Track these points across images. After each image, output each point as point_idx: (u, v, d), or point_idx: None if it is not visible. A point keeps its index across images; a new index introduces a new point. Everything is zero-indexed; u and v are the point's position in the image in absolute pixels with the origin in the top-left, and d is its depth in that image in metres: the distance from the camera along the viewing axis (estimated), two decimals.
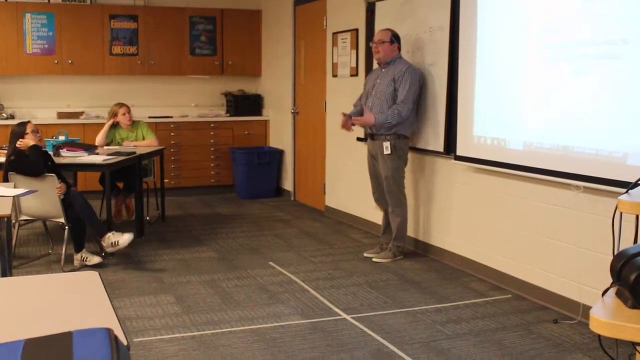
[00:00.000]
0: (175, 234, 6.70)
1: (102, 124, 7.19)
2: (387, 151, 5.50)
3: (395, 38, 5.57)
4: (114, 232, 5.47)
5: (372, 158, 5.75)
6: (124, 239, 5.42)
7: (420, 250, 5.94)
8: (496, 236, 5.05)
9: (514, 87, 4.71)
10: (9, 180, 5.16)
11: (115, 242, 5.41)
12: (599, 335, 1.76)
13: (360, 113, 5.72)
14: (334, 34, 7.31)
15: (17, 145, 5.29)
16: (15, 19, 8.23)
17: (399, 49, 5.59)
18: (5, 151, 5.86)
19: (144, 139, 7.02)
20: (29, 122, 5.47)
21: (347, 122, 5.72)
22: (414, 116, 5.62)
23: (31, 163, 5.22)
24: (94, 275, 2.06)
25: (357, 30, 6.83)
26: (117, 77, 8.85)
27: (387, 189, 5.62)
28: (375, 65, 5.85)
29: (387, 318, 4.34)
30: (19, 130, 5.34)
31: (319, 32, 7.68)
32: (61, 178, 5.37)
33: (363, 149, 5.95)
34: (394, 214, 5.65)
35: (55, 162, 5.54)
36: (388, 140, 5.50)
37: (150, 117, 8.59)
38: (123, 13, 8.68)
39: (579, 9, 4.14)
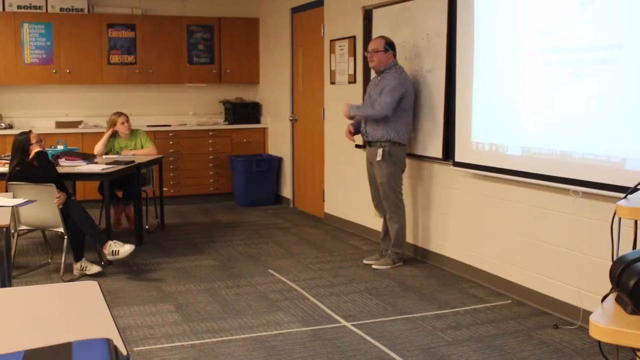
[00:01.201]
0: (175, 242, 6.70)
1: (101, 133, 7.20)
2: (379, 157, 5.52)
3: (389, 46, 5.57)
4: (115, 241, 5.46)
5: (370, 165, 5.76)
6: (125, 249, 5.41)
7: (420, 257, 5.94)
8: (495, 242, 5.05)
9: (512, 93, 4.72)
10: (9, 191, 5.16)
11: (115, 251, 5.40)
12: (599, 341, 1.76)
13: (358, 124, 5.75)
14: (331, 41, 7.32)
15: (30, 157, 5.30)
16: (13, 29, 8.24)
17: (394, 55, 5.60)
18: (5, 161, 5.87)
19: (142, 147, 7.03)
20: (30, 131, 5.47)
21: (350, 131, 5.79)
22: (410, 123, 5.62)
23: (42, 170, 5.24)
24: (93, 284, 2.05)
25: (354, 37, 6.85)
26: (116, 86, 8.86)
27: (384, 195, 5.62)
28: (373, 74, 5.85)
29: (387, 325, 4.33)
30: (23, 140, 5.33)
31: (316, 39, 7.70)
32: (60, 187, 5.38)
33: (362, 156, 5.96)
34: (392, 221, 5.65)
35: (58, 172, 5.54)
36: (382, 147, 5.51)
37: (148, 126, 8.60)
38: (121, 22, 8.70)
39: (576, 14, 4.15)
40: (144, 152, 6.97)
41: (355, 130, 5.80)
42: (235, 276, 5.49)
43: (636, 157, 3.79)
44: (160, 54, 8.86)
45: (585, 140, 4.12)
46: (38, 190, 5.19)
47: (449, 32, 5.32)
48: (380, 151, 5.51)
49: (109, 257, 5.44)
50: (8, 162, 5.61)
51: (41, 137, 5.48)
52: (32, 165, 5.28)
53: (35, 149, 5.32)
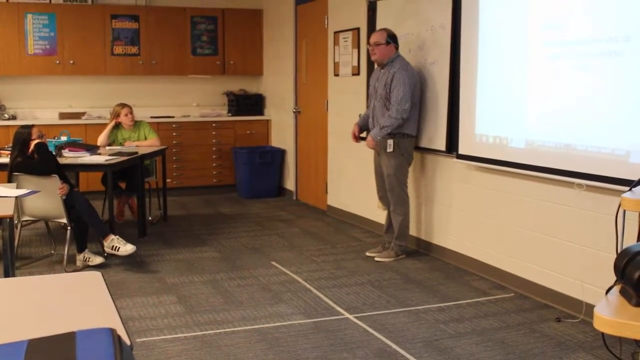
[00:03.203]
0: (178, 233, 6.70)
1: (104, 125, 7.20)
2: (389, 149, 5.50)
3: (391, 38, 5.54)
4: (118, 237, 5.45)
5: (378, 156, 5.74)
6: (126, 249, 5.39)
7: (423, 249, 5.94)
8: (498, 235, 5.05)
9: (516, 85, 4.70)
10: (13, 181, 5.16)
11: (116, 247, 5.39)
12: (603, 334, 1.76)
13: (366, 122, 5.76)
14: (335, 33, 7.31)
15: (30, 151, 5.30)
16: (17, 19, 8.23)
17: (397, 48, 5.58)
18: (7, 152, 5.87)
19: (145, 139, 7.03)
20: (33, 125, 5.46)
21: (355, 135, 5.82)
22: (417, 115, 5.61)
23: (42, 162, 5.24)
24: (96, 275, 2.05)
25: (358, 29, 6.83)
26: (119, 77, 8.86)
27: (389, 187, 5.62)
28: (376, 65, 5.84)
29: (390, 317, 4.34)
30: (25, 134, 5.33)
31: (320, 31, 7.68)
32: (64, 179, 5.38)
33: (365, 148, 5.93)
34: (396, 213, 5.65)
35: (59, 163, 5.54)
36: (392, 138, 5.50)
37: (152, 117, 8.59)
38: (124, 13, 8.68)
39: (581, 6, 4.13)
40: (147, 143, 6.97)
41: (361, 129, 5.80)
42: (237, 268, 5.49)
43: None
44: (163, 45, 8.85)
45: (590, 133, 4.11)
46: (42, 181, 5.20)
47: (454, 24, 5.30)
48: (390, 142, 5.49)
49: (108, 251, 5.44)
50: (10, 152, 5.62)
51: (43, 132, 5.47)
52: (32, 158, 5.28)
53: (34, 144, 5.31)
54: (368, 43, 5.74)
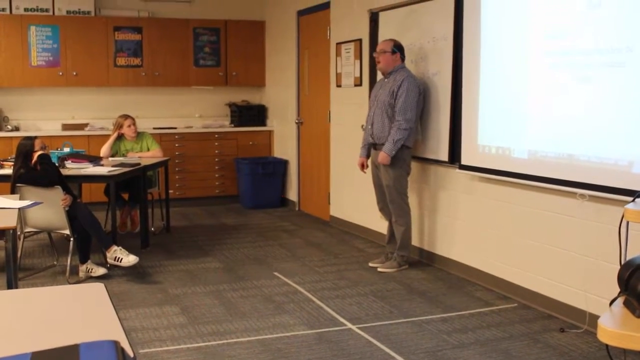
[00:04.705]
0: (180, 244, 6.70)
1: (107, 136, 7.21)
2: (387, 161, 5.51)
3: (397, 48, 5.57)
4: (121, 248, 5.45)
5: (376, 168, 5.75)
6: (129, 259, 5.39)
7: (426, 260, 5.93)
8: (501, 245, 5.04)
9: (519, 96, 4.71)
10: (16, 193, 5.17)
11: (119, 258, 5.39)
12: (607, 345, 1.76)
13: (368, 150, 5.79)
14: (337, 44, 7.32)
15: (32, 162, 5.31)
16: (20, 31, 8.27)
17: (402, 59, 5.59)
18: (10, 163, 5.89)
19: (148, 150, 7.04)
20: (36, 137, 5.47)
21: (364, 166, 5.86)
22: (417, 126, 5.62)
23: (45, 173, 5.25)
24: (99, 286, 2.05)
25: (360, 40, 6.84)
26: (122, 88, 8.88)
27: (390, 198, 5.62)
28: (380, 76, 5.85)
29: (393, 328, 4.33)
30: (27, 145, 5.35)
31: (322, 42, 7.70)
32: (67, 190, 5.39)
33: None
34: (398, 224, 5.65)
35: (62, 175, 5.55)
36: None
37: (154, 128, 8.61)
38: (127, 25, 8.72)
39: (583, 17, 4.14)
40: (150, 154, 6.98)
41: (367, 157, 5.83)
42: (240, 279, 5.48)
43: None
44: (166, 56, 8.88)
45: (592, 143, 4.11)
46: (44, 193, 5.20)
47: (456, 35, 5.31)
48: None
49: (110, 262, 5.43)
50: (13, 164, 5.63)
51: (45, 144, 5.48)
52: (35, 169, 5.30)
53: (36, 155, 5.33)
54: (374, 51, 5.77)
